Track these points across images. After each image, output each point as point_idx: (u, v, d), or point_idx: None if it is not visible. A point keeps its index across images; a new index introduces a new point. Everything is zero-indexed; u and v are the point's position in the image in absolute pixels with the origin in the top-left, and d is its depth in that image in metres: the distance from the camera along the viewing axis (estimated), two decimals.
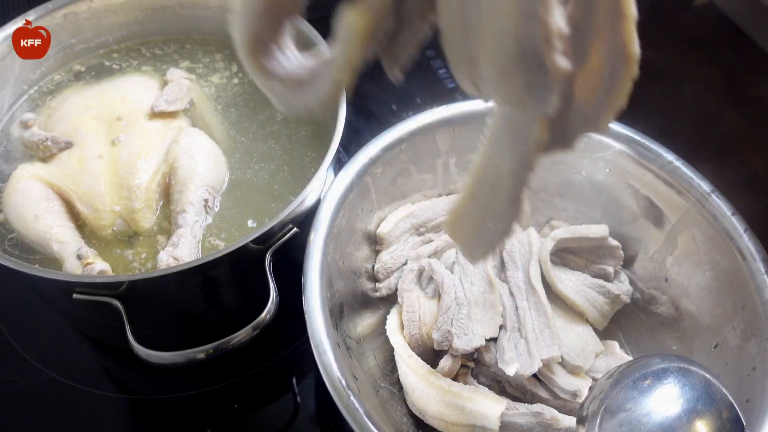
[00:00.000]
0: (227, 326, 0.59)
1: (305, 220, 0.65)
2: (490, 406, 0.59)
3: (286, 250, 0.64)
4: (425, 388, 0.62)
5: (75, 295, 0.59)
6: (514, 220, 0.42)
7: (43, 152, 0.74)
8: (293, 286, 0.62)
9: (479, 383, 0.66)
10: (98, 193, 0.71)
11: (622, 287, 0.73)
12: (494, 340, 0.67)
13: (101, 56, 0.87)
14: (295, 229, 0.65)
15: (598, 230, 0.74)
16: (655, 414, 0.52)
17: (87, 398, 0.75)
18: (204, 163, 0.74)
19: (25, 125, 0.77)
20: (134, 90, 0.80)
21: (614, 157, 0.73)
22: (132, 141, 0.74)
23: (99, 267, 0.65)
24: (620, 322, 0.75)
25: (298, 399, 0.77)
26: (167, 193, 0.74)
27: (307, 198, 0.65)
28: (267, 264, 0.63)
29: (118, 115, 0.76)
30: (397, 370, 0.67)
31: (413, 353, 0.65)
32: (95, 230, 0.71)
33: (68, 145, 0.74)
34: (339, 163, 0.72)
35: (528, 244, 0.72)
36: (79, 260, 0.66)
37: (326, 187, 0.68)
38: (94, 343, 0.80)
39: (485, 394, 0.61)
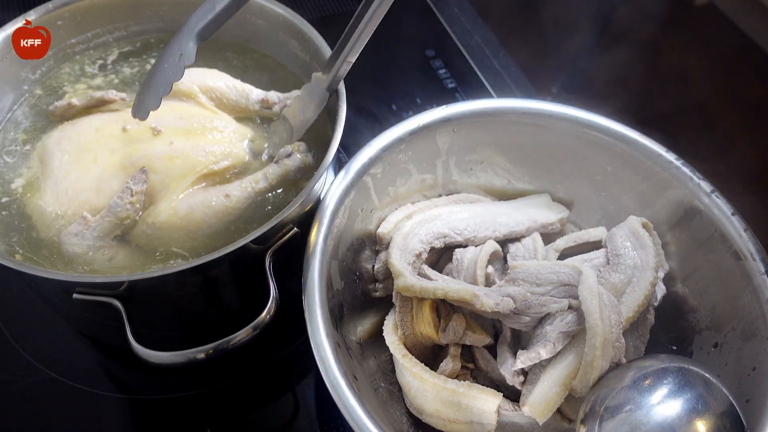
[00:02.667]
0: (227, 326, 0.59)
1: (305, 220, 0.65)
2: (486, 400, 0.59)
3: (286, 250, 0.64)
4: (421, 386, 0.62)
5: (75, 295, 0.59)
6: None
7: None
8: (293, 286, 0.62)
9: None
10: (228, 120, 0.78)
11: None
12: (490, 347, 0.67)
13: (101, 56, 0.87)
14: (295, 229, 0.65)
15: (597, 233, 0.74)
16: (655, 414, 0.52)
17: (87, 398, 0.75)
18: None
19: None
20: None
21: (615, 157, 0.73)
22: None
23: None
24: None
25: (298, 399, 0.77)
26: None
27: (307, 198, 0.65)
28: (267, 264, 0.63)
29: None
30: None
31: (408, 353, 0.65)
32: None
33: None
34: (339, 163, 0.72)
35: (533, 250, 0.72)
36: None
37: (326, 187, 0.68)
38: (94, 343, 0.80)
39: (480, 389, 0.60)
